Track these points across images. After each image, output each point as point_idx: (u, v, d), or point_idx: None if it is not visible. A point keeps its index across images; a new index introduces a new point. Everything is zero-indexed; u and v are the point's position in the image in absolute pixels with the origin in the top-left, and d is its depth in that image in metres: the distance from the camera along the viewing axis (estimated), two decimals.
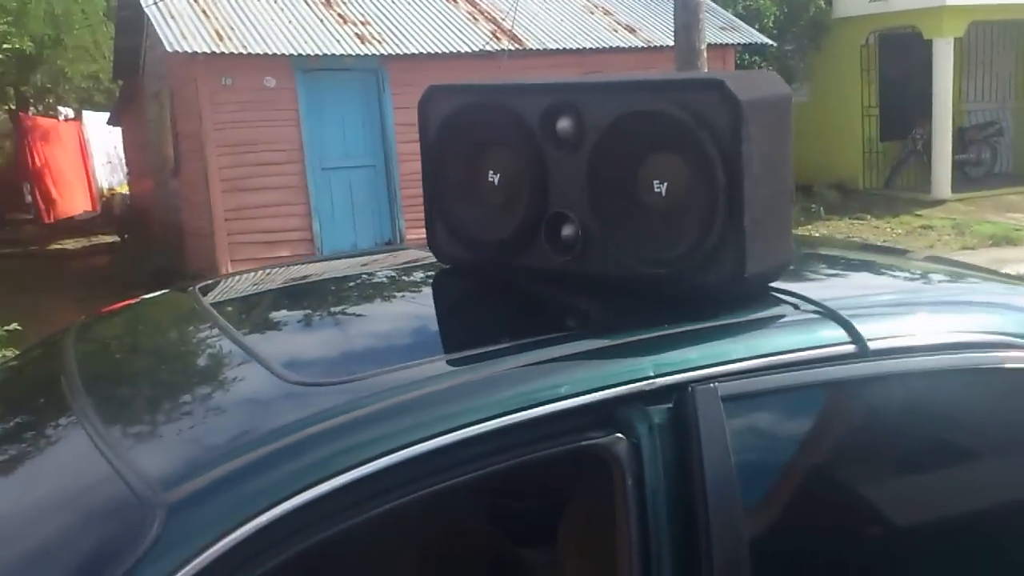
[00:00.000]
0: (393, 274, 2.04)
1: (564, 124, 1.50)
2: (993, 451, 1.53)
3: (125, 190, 15.16)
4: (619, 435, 1.24)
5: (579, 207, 1.54)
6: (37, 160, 15.01)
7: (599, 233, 1.52)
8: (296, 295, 1.96)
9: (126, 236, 12.98)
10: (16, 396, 1.69)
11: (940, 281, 1.91)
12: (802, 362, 1.35)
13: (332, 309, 1.85)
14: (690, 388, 1.27)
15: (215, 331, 1.59)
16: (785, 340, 1.39)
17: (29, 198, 15.47)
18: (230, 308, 1.85)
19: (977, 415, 1.52)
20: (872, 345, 1.37)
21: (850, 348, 1.37)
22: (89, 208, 15.75)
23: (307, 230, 9.62)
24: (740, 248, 1.38)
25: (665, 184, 1.45)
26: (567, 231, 1.56)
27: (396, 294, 1.93)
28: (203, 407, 1.38)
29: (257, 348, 1.48)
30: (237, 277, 2.77)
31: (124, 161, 15.31)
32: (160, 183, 11.60)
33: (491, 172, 1.63)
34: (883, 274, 1.99)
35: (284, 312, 1.87)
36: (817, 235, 9.93)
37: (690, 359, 1.31)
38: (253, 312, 1.88)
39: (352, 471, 1.13)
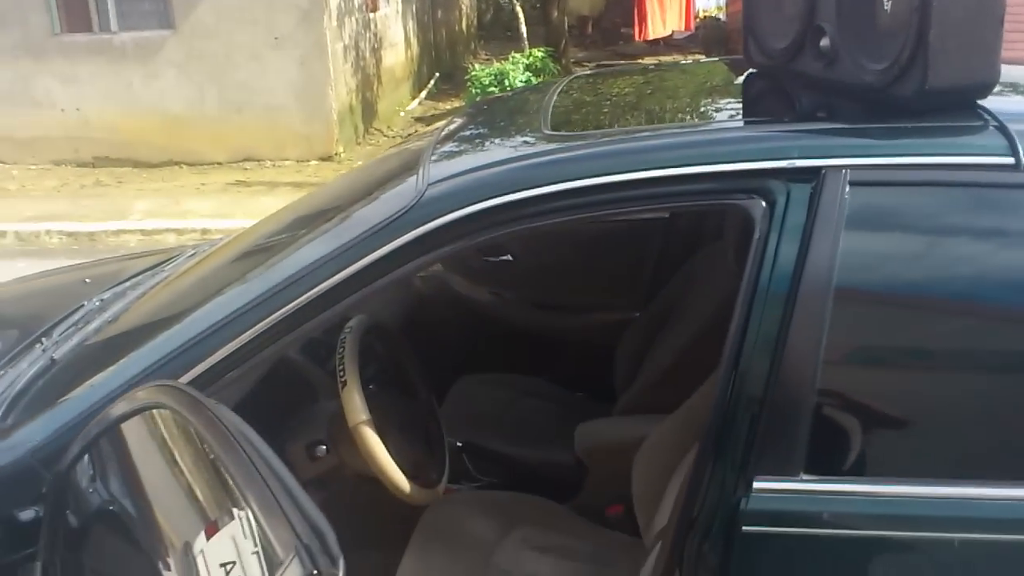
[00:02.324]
0: (709, 70, 2.46)
1: None
2: None
3: (721, 13, 15.91)
4: (760, 199, 1.59)
5: (833, 21, 1.81)
6: None
7: (841, 44, 1.78)
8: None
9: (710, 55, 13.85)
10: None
11: None
12: (945, 166, 1.54)
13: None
14: (823, 171, 1.56)
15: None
16: (937, 143, 1.58)
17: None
18: None
19: None
20: None
21: (1006, 160, 1.51)
22: (683, 28, 16.81)
23: None
24: (924, 63, 1.57)
25: (891, 2, 1.67)
26: (823, 42, 1.84)
27: (697, 85, 2.34)
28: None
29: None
30: None
31: None
32: None
33: None
34: None
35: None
36: None
37: (832, 148, 1.60)
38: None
39: (565, 183, 1.65)
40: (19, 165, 9.50)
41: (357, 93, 10.32)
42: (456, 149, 1.98)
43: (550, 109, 2.06)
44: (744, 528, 1.54)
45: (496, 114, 2.39)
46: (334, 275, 1.67)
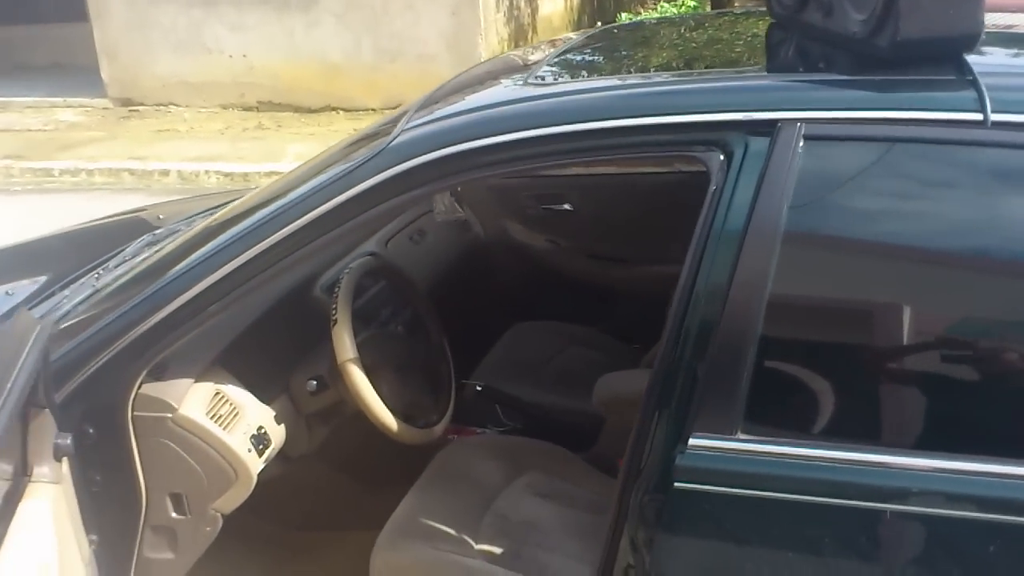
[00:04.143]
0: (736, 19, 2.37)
1: None
2: None
3: None
4: (719, 152, 1.55)
5: None
6: None
7: None
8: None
9: None
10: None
11: None
12: (907, 121, 1.46)
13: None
14: (779, 124, 1.50)
15: None
16: (901, 98, 1.50)
17: None
18: None
19: None
20: (995, 117, 1.40)
21: (973, 116, 1.42)
22: None
23: None
24: (896, 13, 1.48)
25: None
26: None
27: (721, 38, 2.26)
28: None
29: None
30: None
31: None
32: None
33: None
34: None
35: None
36: None
37: (790, 100, 1.54)
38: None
39: (520, 132, 1.66)
40: (191, 108, 10.12)
41: (509, 42, 10.37)
42: (445, 96, 2.01)
43: (549, 60, 2.07)
44: (676, 484, 1.53)
45: (506, 62, 2.40)
46: (303, 215, 1.76)
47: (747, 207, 1.51)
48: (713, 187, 1.55)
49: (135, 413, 1.90)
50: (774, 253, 1.48)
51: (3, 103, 10.36)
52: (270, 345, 2.18)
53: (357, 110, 9.80)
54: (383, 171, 1.71)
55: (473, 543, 2.09)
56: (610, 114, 1.64)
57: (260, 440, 2.03)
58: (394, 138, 1.76)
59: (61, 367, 1.86)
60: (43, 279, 2.52)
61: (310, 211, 1.75)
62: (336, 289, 2.10)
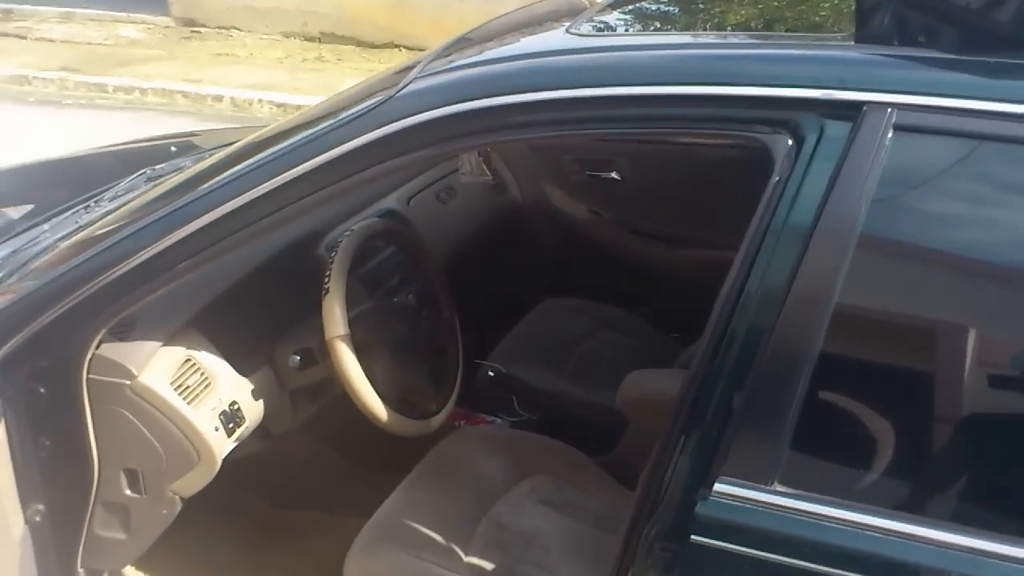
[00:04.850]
0: None
1: None
2: None
3: None
4: (787, 135, 1.25)
5: None
6: None
7: None
8: None
9: None
10: None
11: None
12: (1021, 116, 1.14)
13: None
14: (864, 108, 1.20)
15: None
16: (1018, 87, 1.18)
17: None
18: None
19: None
20: None
21: None
22: None
23: None
24: None
25: None
26: None
27: None
28: None
29: None
30: None
31: None
32: None
33: None
34: None
35: None
36: None
37: (880, 80, 1.23)
38: None
39: (544, 92, 1.38)
40: (253, 33, 9.87)
41: None
42: (470, 43, 1.71)
43: (600, 8, 1.76)
44: (693, 537, 1.26)
45: (552, 7, 2.09)
46: (289, 170, 1.49)
47: (817, 204, 1.21)
48: (776, 177, 1.26)
49: (90, 376, 1.67)
50: (845, 260, 1.19)
51: (67, 13, 10.22)
52: (256, 309, 1.93)
53: (420, 48, 9.48)
54: (379, 127, 1.44)
55: (462, 554, 1.84)
56: (653, 78, 1.35)
57: (231, 418, 1.79)
58: (402, 88, 1.48)
59: (15, 312, 1.64)
60: (29, 208, 2.31)
61: (296, 165, 1.49)
62: (332, 254, 1.84)
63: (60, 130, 6.64)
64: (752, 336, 1.24)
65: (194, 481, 1.76)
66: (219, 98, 7.86)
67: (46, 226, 2.07)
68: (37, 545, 1.76)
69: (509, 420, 2.40)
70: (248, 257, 1.90)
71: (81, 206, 2.16)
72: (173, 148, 2.65)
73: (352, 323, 1.80)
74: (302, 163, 1.48)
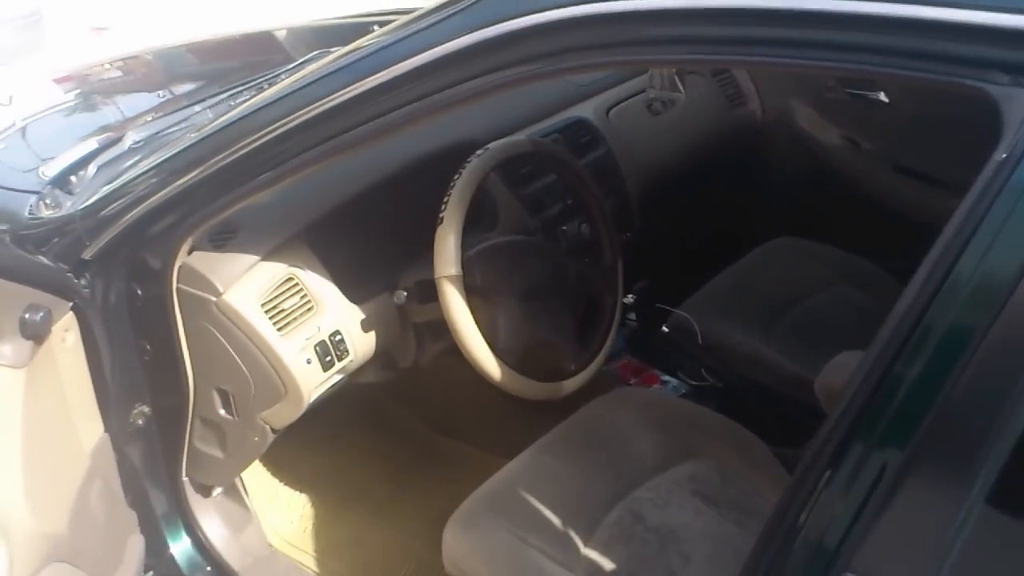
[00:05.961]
0: None
1: None
2: None
3: None
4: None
5: None
6: None
7: None
8: None
9: None
10: None
11: None
12: None
13: None
14: None
15: None
16: None
17: None
18: None
19: None
20: None
21: None
22: None
23: None
24: None
25: None
26: None
27: None
28: None
29: None
30: None
31: None
32: None
33: None
34: None
35: None
36: None
37: None
38: None
39: None
40: None
41: None
42: None
43: None
44: None
45: None
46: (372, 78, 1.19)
47: None
48: (1004, 154, 0.86)
49: (180, 286, 1.51)
50: None
51: None
52: (382, 227, 1.68)
53: None
54: (457, 36, 1.11)
55: (580, 546, 1.53)
56: None
57: (331, 350, 1.57)
58: None
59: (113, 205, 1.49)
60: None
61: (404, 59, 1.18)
62: (456, 177, 1.53)
63: None
64: (926, 380, 0.86)
65: (283, 414, 1.57)
66: None
67: (197, 108, 1.92)
68: (143, 448, 1.67)
69: (690, 383, 2.02)
70: (378, 163, 1.64)
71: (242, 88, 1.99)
72: (376, 27, 2.41)
73: (473, 261, 1.50)
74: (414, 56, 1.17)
